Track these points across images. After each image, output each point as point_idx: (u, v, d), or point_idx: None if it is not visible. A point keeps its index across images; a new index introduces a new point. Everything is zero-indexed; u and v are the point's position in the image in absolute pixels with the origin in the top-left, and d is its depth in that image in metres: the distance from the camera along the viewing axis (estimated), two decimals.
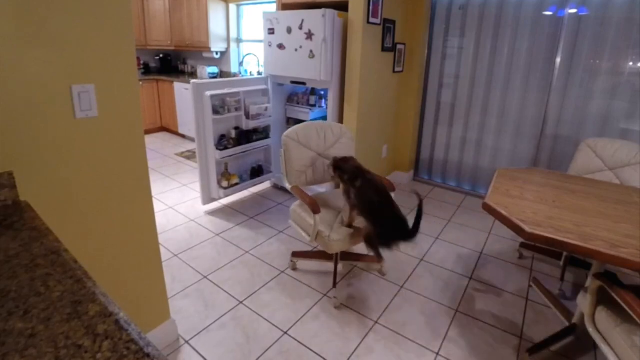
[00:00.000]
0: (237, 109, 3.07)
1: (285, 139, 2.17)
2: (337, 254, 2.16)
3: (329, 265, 2.39)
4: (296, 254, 2.42)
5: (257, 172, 3.45)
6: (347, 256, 2.45)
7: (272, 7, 4.33)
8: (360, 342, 1.79)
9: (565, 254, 2.36)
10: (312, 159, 2.27)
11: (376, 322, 1.92)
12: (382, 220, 1.81)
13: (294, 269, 2.37)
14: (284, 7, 3.29)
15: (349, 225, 1.98)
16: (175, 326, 1.77)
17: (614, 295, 1.30)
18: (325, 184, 2.45)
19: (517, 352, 1.75)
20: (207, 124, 2.88)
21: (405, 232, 1.82)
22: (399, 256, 2.53)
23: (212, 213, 3.07)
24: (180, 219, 2.94)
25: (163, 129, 5.67)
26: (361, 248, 2.46)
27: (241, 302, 2.03)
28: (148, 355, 0.56)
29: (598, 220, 1.52)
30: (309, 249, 2.56)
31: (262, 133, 3.36)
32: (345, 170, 1.93)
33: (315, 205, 1.89)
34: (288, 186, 2.18)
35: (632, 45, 2.66)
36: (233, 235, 2.72)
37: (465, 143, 3.61)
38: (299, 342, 1.78)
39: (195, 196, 3.37)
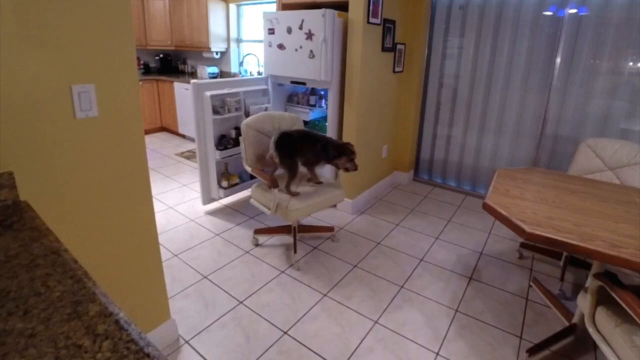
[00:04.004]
0: (237, 109, 3.07)
1: (244, 127, 2.40)
2: (294, 227, 2.45)
3: (328, 265, 2.39)
4: (258, 231, 2.68)
5: None
6: (303, 229, 2.75)
7: (272, 7, 4.34)
8: (360, 342, 1.79)
9: (565, 254, 2.36)
10: (268, 145, 2.48)
11: (376, 322, 1.92)
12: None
13: (257, 244, 2.61)
14: (284, 7, 3.29)
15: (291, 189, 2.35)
16: (175, 326, 1.77)
17: (614, 295, 1.30)
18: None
19: (517, 352, 1.75)
20: (207, 124, 2.88)
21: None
22: (399, 256, 2.53)
23: (212, 213, 3.07)
24: (180, 219, 2.94)
25: (163, 129, 5.67)
26: (316, 221, 3.01)
27: (241, 302, 2.03)
28: (148, 355, 0.56)
29: (598, 220, 1.52)
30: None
31: None
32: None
33: (273, 182, 2.20)
34: (248, 169, 2.43)
35: (632, 45, 2.66)
36: (233, 235, 2.72)
37: (465, 143, 3.61)
38: (299, 342, 1.78)
39: (195, 196, 3.37)
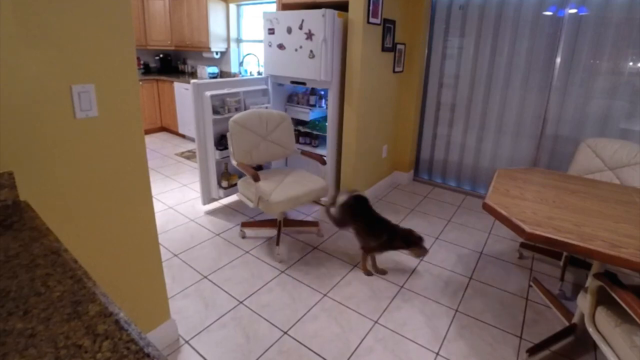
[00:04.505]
0: (237, 109, 3.06)
1: (232, 124, 2.46)
2: (279, 221, 2.57)
3: (329, 265, 2.39)
4: (245, 224, 2.75)
5: None
6: (289, 223, 2.80)
7: (272, 7, 4.34)
8: (360, 342, 1.79)
9: (565, 254, 2.36)
10: (256, 141, 2.59)
11: (376, 322, 1.92)
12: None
13: (243, 237, 2.69)
14: (284, 7, 3.29)
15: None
16: (175, 326, 1.77)
17: (614, 295, 1.30)
18: (272, 162, 2.80)
19: (517, 352, 1.75)
20: (207, 124, 2.88)
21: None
22: (399, 256, 2.53)
23: (212, 213, 3.07)
24: (180, 219, 2.94)
25: (163, 129, 5.67)
26: (301, 215, 3.08)
27: (241, 302, 2.03)
28: (148, 355, 0.56)
29: (598, 220, 1.52)
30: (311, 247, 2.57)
31: None
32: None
33: (256, 176, 2.28)
34: (234, 163, 2.48)
35: (632, 45, 2.66)
36: (233, 235, 2.72)
37: (465, 143, 3.61)
38: (299, 342, 1.78)
39: (195, 196, 3.37)
